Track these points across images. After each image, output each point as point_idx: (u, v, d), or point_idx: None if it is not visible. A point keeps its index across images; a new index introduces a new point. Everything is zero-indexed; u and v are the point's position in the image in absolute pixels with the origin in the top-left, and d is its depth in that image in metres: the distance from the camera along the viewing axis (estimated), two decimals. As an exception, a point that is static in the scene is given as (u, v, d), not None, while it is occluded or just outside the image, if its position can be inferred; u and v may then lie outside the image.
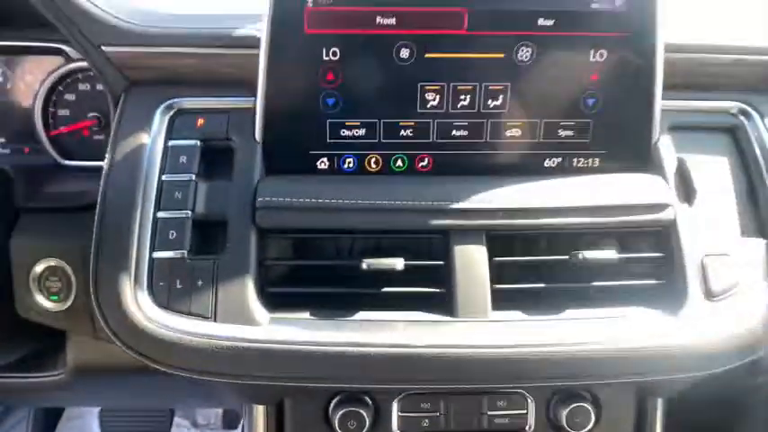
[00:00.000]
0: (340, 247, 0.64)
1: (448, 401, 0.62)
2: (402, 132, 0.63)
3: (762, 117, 0.69)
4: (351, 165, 0.64)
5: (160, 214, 0.59)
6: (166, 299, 0.57)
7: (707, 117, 0.69)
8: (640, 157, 0.65)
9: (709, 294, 0.59)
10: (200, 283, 0.57)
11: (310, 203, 0.59)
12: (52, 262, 0.69)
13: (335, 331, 0.56)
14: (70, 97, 0.84)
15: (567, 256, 0.59)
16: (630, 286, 0.61)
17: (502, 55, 0.61)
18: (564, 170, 0.65)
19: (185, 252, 0.58)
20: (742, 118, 0.69)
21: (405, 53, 0.60)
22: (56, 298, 0.70)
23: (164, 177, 0.61)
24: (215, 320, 0.56)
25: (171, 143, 0.63)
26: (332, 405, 0.62)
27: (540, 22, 0.59)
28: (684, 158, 0.64)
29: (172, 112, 0.65)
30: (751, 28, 0.79)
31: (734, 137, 0.69)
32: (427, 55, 0.60)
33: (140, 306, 0.56)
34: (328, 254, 0.63)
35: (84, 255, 0.60)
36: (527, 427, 0.64)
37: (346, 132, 0.63)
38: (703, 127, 0.69)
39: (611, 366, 0.57)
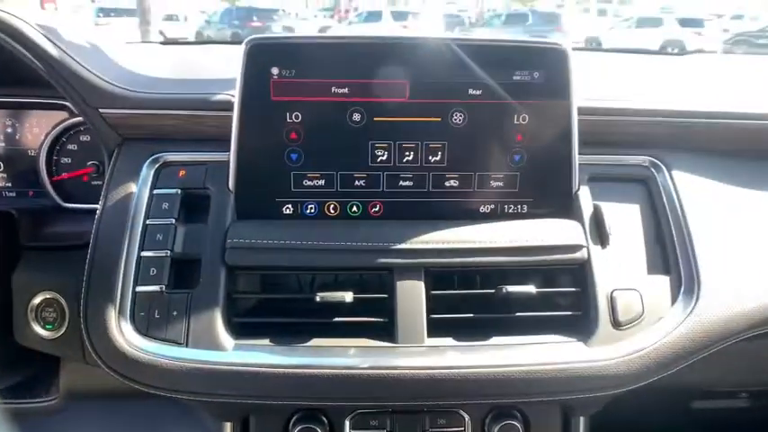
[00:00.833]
0: (299, 283, 0.72)
1: (394, 419, 0.69)
2: (356, 183, 0.71)
3: (669, 169, 0.77)
4: (312, 210, 0.73)
5: (144, 253, 0.68)
6: (146, 327, 0.65)
7: (622, 169, 0.78)
8: (563, 205, 0.73)
9: (617, 324, 0.67)
10: (175, 313, 0.65)
11: (274, 244, 0.68)
12: (48, 294, 0.76)
13: (291, 356, 0.64)
14: (72, 147, 0.92)
15: (493, 290, 0.68)
16: (550, 316, 0.69)
17: (439, 119, 0.70)
18: (496, 215, 0.73)
19: (163, 286, 0.66)
20: (652, 170, 0.78)
21: (357, 117, 0.70)
22: (50, 327, 0.77)
23: (148, 221, 0.69)
24: (186, 346, 0.64)
25: (156, 191, 0.71)
26: (291, 422, 0.70)
27: (470, 91, 0.70)
28: (600, 205, 0.73)
29: (158, 165, 0.74)
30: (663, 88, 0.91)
31: (646, 187, 0.78)
32: (376, 119, 0.70)
33: (123, 333, 0.64)
34: (288, 288, 0.72)
35: (78, 288, 0.67)
36: None
37: (308, 183, 0.71)
38: (619, 178, 0.77)
39: (532, 386, 0.64)
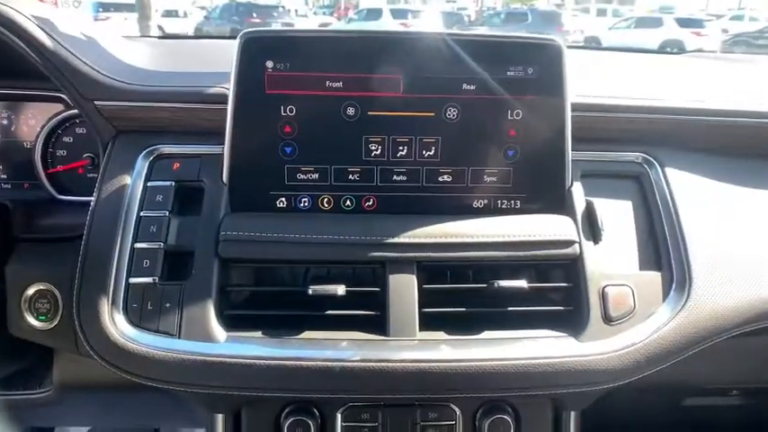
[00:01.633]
0: (292, 276, 0.72)
1: (385, 413, 0.69)
2: (350, 177, 0.72)
3: (662, 166, 0.77)
4: (306, 204, 0.73)
5: (137, 245, 0.68)
6: (138, 318, 0.65)
7: (615, 166, 0.78)
8: (556, 201, 0.73)
9: (608, 319, 0.67)
10: (167, 305, 0.65)
11: (267, 237, 0.68)
12: (42, 286, 0.76)
13: (283, 348, 0.64)
14: (67, 139, 0.93)
15: (485, 285, 0.69)
16: (542, 311, 0.69)
17: (433, 114, 0.71)
18: (490, 211, 0.73)
19: (156, 278, 0.66)
20: (645, 166, 0.78)
21: (351, 111, 0.70)
22: (44, 318, 0.78)
23: (142, 213, 0.70)
24: (179, 337, 0.64)
25: (150, 184, 0.71)
26: (283, 415, 0.70)
27: (465, 86, 0.70)
28: (593, 201, 0.73)
29: (152, 157, 0.74)
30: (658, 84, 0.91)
31: (638, 183, 0.78)
32: (370, 113, 0.70)
33: (116, 324, 0.65)
34: (281, 281, 0.72)
35: (71, 279, 0.67)
36: None
37: (302, 176, 0.72)
38: (612, 174, 0.77)
39: (523, 380, 0.64)
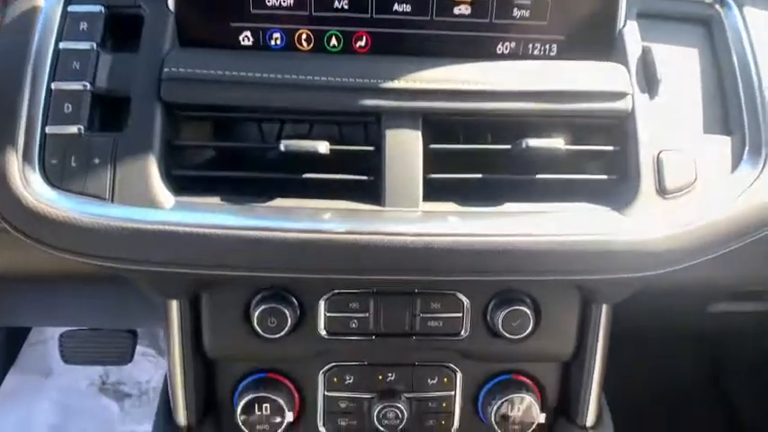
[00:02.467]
0: (260, 132, 0.58)
1: (378, 301, 0.60)
2: (336, 4, 0.56)
3: (740, 8, 0.62)
4: (278, 41, 0.57)
5: (54, 85, 0.53)
6: (59, 177, 0.52)
7: (681, 6, 0.63)
8: (603, 45, 0.59)
9: (663, 191, 0.55)
10: (96, 161, 0.52)
11: (225, 76, 0.53)
12: None
13: (248, 216, 0.51)
14: None
15: (509, 146, 0.54)
16: (579, 180, 0.56)
17: None
18: (518, 57, 0.58)
19: (82, 127, 0.52)
20: (718, 8, 0.63)
21: None
22: None
23: (61, 45, 0.54)
24: (112, 201, 0.51)
25: (70, 8, 0.56)
26: (253, 303, 0.59)
27: None
28: (650, 47, 0.58)
29: None
30: None
31: (707, 28, 0.63)
32: None
33: (29, 183, 0.51)
34: (245, 136, 0.58)
35: None
36: (462, 332, 0.61)
37: (272, 2, 0.55)
38: (675, 16, 0.63)
39: (548, 261, 0.53)
